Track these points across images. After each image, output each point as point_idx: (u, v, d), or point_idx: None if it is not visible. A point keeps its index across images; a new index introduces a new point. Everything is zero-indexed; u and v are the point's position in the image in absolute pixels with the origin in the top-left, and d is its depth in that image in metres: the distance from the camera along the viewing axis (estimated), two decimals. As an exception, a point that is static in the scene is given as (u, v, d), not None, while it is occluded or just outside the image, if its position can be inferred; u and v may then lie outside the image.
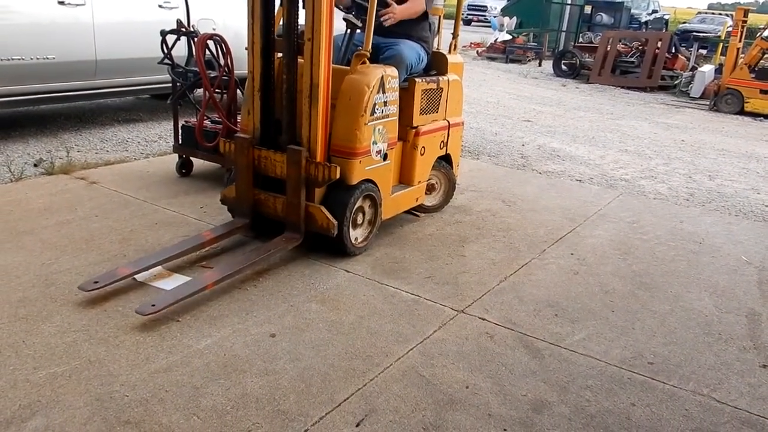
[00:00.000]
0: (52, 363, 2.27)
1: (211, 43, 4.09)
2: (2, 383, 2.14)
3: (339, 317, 2.75)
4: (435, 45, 3.96)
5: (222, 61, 4.13)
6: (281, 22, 3.19)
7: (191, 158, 4.50)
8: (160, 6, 5.78)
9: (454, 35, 4.17)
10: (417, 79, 3.60)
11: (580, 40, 16.11)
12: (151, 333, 2.48)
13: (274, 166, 3.22)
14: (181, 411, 2.07)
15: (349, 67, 3.28)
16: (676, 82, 12.30)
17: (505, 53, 15.88)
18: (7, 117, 5.84)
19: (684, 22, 24.78)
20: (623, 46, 13.18)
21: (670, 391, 2.43)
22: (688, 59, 13.32)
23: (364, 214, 3.40)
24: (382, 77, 3.22)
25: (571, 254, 3.69)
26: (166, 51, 4.28)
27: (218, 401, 2.13)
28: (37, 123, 5.78)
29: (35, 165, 4.53)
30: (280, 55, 3.25)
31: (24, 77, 4.89)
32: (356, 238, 3.36)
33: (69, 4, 5.08)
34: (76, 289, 2.71)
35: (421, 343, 2.60)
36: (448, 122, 3.95)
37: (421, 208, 4.03)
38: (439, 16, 4.08)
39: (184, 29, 4.29)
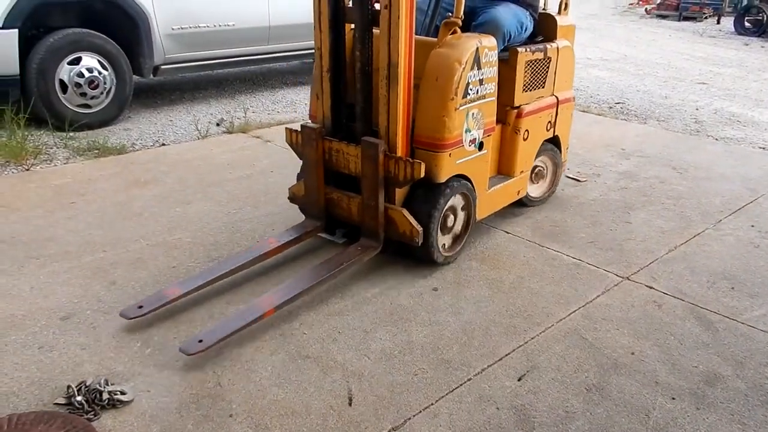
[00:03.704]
0: (242, 300, 2.54)
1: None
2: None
3: (499, 276, 2.79)
4: (542, 5, 3.35)
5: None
6: None
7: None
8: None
9: None
10: (519, 49, 3.04)
11: (769, -8, 14.38)
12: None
13: (347, 161, 2.75)
14: (353, 350, 2.24)
15: (435, 39, 2.74)
16: None
17: (678, 10, 14.62)
18: (192, 81, 6.45)
19: None
20: (823, -3, 11.59)
21: None
22: None
23: (455, 216, 2.88)
24: (477, 50, 2.65)
25: (752, 226, 3.40)
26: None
27: (386, 345, 2.28)
28: (216, 86, 6.32)
29: (217, 124, 4.98)
30: (352, 26, 2.70)
31: (208, 43, 5.37)
32: (444, 244, 2.86)
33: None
34: (256, 238, 3.00)
35: (584, 307, 2.57)
36: (557, 98, 3.37)
37: (524, 201, 3.45)
38: None
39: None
